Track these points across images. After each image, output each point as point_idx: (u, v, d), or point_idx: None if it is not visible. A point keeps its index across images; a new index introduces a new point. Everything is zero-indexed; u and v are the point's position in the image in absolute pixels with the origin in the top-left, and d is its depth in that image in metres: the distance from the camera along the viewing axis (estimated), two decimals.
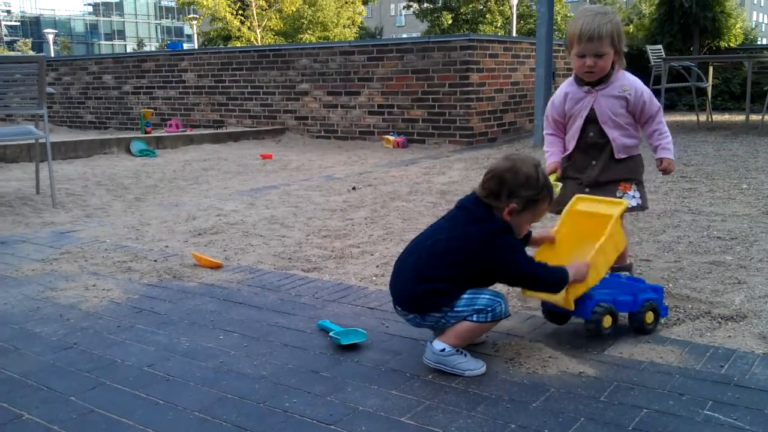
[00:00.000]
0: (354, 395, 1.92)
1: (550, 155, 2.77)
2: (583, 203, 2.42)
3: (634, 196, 2.67)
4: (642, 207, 2.71)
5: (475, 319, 2.05)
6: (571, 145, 2.72)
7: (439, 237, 2.12)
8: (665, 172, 2.71)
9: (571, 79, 2.72)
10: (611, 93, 2.62)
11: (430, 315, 2.08)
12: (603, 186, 2.65)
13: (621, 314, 2.26)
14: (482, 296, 2.06)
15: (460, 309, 2.05)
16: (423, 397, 1.90)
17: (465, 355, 2.07)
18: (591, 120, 2.64)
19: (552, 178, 2.61)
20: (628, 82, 2.64)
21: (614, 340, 2.24)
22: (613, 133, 2.63)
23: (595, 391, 1.90)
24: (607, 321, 2.19)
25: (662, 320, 2.39)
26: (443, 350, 2.05)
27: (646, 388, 1.92)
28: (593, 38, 2.50)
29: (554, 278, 2.10)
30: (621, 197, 2.61)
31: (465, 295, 2.05)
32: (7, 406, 1.91)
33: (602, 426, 1.72)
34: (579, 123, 2.66)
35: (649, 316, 2.28)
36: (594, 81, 2.62)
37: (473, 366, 2.05)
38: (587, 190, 2.64)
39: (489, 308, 2.05)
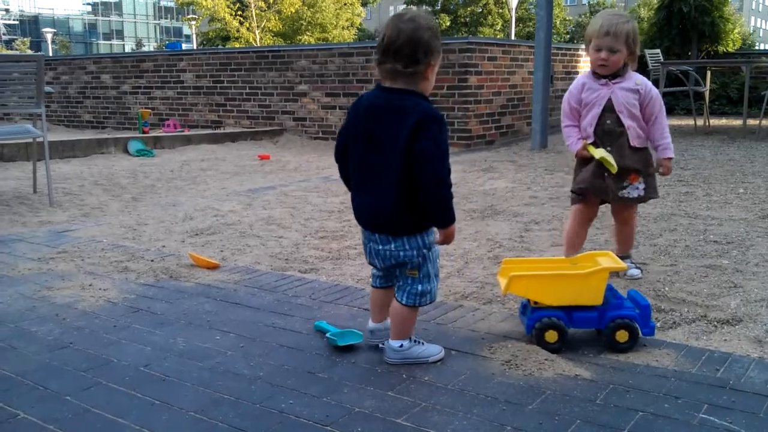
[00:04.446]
0: (350, 396, 1.92)
1: (577, 142, 2.97)
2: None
3: (637, 188, 2.91)
4: (646, 197, 2.95)
5: (410, 303, 2.09)
6: (589, 132, 2.92)
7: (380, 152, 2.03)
8: (666, 173, 2.97)
9: (588, 71, 2.98)
10: (627, 86, 2.88)
11: (401, 238, 2.04)
12: (619, 172, 2.84)
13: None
14: (435, 281, 2.13)
15: (435, 259, 2.10)
16: (419, 399, 1.90)
17: (422, 343, 2.14)
18: (608, 109, 2.88)
19: (597, 152, 2.82)
20: (641, 79, 2.92)
21: None
22: (628, 122, 2.87)
23: (591, 394, 1.91)
24: (551, 336, 2.17)
25: (658, 324, 2.40)
26: (401, 346, 2.10)
27: (642, 391, 1.92)
28: (609, 33, 2.79)
29: (450, 203, 1.99)
30: (626, 186, 2.90)
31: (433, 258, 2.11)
32: (3, 405, 1.90)
33: (598, 428, 1.72)
34: (596, 111, 2.90)
35: (621, 335, 2.17)
36: (610, 75, 2.87)
37: (434, 351, 2.14)
38: (606, 173, 2.86)
39: (430, 292, 2.11)
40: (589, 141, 2.91)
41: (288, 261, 3.37)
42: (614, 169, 2.80)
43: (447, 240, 2.06)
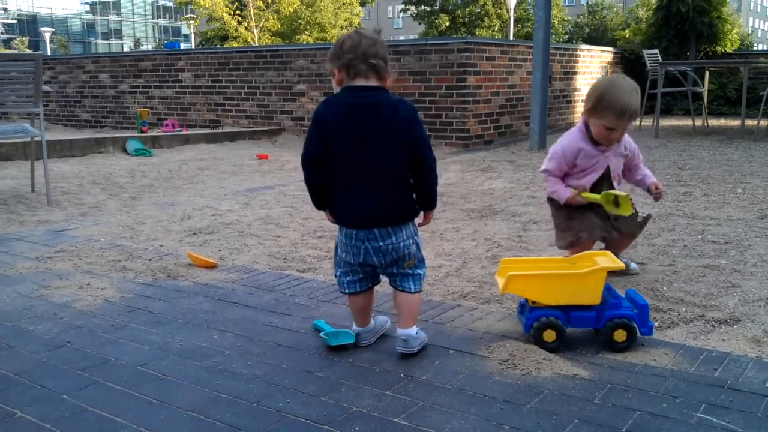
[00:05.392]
0: (348, 395, 1.92)
1: (564, 189, 2.90)
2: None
3: (641, 208, 3.01)
4: (649, 215, 3.04)
5: (419, 288, 2.21)
6: None
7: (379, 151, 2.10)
8: (661, 194, 2.98)
9: (582, 135, 2.86)
10: (619, 152, 2.91)
11: (400, 229, 2.13)
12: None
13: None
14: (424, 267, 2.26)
15: (421, 250, 2.22)
16: (417, 398, 1.90)
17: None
18: (605, 177, 2.90)
19: (594, 197, 2.82)
20: (626, 139, 2.92)
21: None
22: (617, 185, 2.94)
23: (589, 393, 1.91)
24: (549, 336, 2.17)
25: (656, 324, 2.40)
26: (417, 333, 2.19)
27: (640, 390, 1.92)
28: (632, 118, 2.75)
29: (436, 180, 2.18)
30: (637, 212, 2.94)
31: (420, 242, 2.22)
32: (0, 404, 1.90)
33: (596, 428, 1.72)
34: (593, 177, 2.88)
35: (620, 335, 2.16)
36: None
37: (424, 334, 2.27)
38: (610, 217, 2.90)
39: (423, 276, 2.24)
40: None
41: (286, 260, 3.37)
42: (627, 209, 2.76)
43: (429, 221, 2.25)
